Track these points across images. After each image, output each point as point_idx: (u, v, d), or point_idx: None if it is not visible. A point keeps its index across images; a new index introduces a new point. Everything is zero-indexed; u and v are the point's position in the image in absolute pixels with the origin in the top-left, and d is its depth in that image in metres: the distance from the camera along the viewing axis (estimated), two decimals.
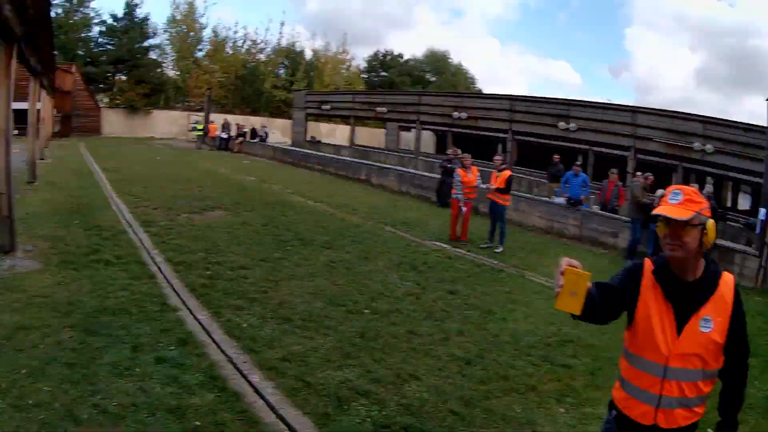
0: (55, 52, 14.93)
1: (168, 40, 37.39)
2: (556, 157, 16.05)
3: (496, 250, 9.05)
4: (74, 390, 3.59)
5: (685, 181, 15.87)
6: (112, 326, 4.66)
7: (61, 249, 7.02)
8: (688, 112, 17.07)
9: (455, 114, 23.28)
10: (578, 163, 13.37)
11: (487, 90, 49.24)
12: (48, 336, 4.40)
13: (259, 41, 40.93)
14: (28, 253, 6.81)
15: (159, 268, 6.56)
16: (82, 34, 34.40)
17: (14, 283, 5.70)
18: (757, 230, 9.55)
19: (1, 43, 6.37)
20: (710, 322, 1.85)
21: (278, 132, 32.42)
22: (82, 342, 4.33)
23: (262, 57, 39.85)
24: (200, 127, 29.59)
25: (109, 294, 5.46)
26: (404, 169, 18.72)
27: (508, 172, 9.31)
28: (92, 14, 34.54)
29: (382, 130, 30.84)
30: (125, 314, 4.96)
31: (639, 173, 10.65)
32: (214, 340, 4.61)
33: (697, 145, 16.14)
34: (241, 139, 28.08)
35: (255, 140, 28.37)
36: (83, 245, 7.25)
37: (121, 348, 4.25)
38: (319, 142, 29.64)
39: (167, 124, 35.03)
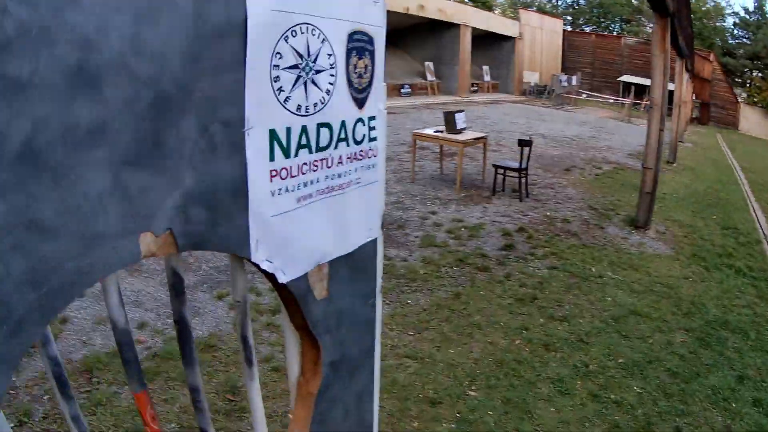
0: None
1: None
2: None
3: None
4: (664, 402, 3.24)
5: None
6: (726, 344, 4.17)
7: (693, 241, 6.53)
8: None
9: None
10: None
11: None
12: (660, 332, 4.05)
13: None
14: (660, 235, 6.41)
15: None
16: (716, 24, 33.97)
17: (639, 262, 5.43)
18: None
19: (656, 16, 6.24)
20: None
21: None
22: (693, 352, 3.95)
23: None
24: None
25: (733, 307, 4.91)
26: None
27: None
28: (724, 3, 32.95)
29: None
30: (743, 336, 4.40)
31: None
32: None
33: None
34: None
35: None
36: (717, 244, 6.68)
37: (727, 374, 3.75)
38: None
39: None
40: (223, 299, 4.06)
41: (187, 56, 0.54)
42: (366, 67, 0.84)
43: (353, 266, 0.92)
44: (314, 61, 0.72)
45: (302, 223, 0.76)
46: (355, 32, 0.80)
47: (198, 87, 0.56)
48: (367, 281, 0.98)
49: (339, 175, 0.83)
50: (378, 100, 0.89)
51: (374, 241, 0.98)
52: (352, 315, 0.96)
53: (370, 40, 0.84)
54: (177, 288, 0.65)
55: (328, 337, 0.90)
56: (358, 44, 0.81)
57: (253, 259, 0.68)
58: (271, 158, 0.68)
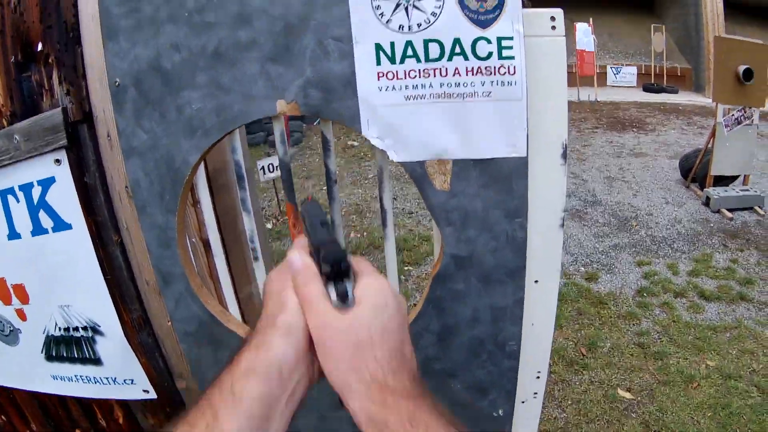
0: None
1: None
2: None
3: None
4: None
5: None
6: None
7: None
8: None
9: None
10: None
11: None
12: None
13: None
14: None
15: None
16: None
17: None
18: None
19: None
20: None
21: None
22: None
23: None
24: None
25: None
26: None
27: None
28: None
29: None
30: None
31: None
32: None
33: None
34: None
35: None
36: None
37: None
38: None
39: None
40: (642, 266, 4.56)
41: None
42: None
43: (489, 175, 1.05)
44: None
45: (413, 117, 1.01)
46: None
47: (313, 17, 0.97)
48: (511, 198, 1.07)
49: (458, 84, 1.01)
50: (514, 23, 0.99)
51: (521, 161, 1.05)
52: (486, 223, 1.08)
53: None
54: (324, 145, 1.07)
55: (450, 230, 1.07)
56: None
57: (363, 133, 1.02)
58: (378, 63, 0.99)
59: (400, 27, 0.98)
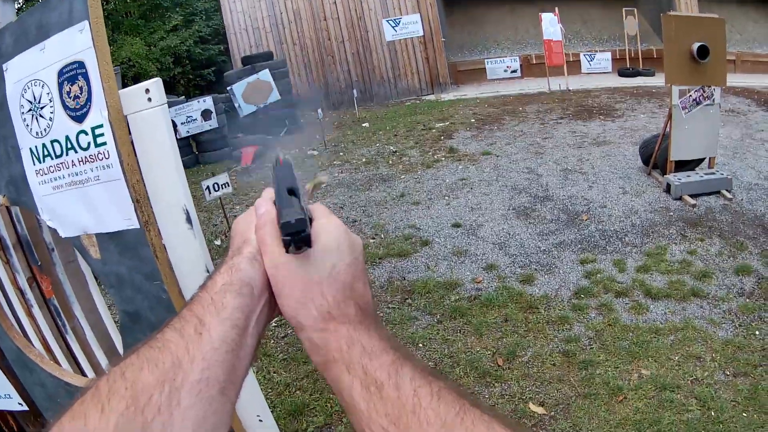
0: None
1: None
2: None
3: None
4: None
5: None
6: None
7: None
8: None
9: None
10: None
11: None
12: None
13: None
14: None
15: None
16: None
17: None
18: None
19: None
20: None
21: None
22: None
23: None
24: None
25: None
26: None
27: None
28: None
29: None
30: None
31: None
32: None
33: None
34: None
35: None
36: None
37: None
38: None
39: None
40: (585, 265, 4.34)
41: None
42: (81, 87, 1.16)
43: (122, 245, 1.23)
44: (39, 102, 1.22)
45: (60, 202, 1.27)
46: (64, 66, 1.17)
47: (1, 129, 1.32)
48: (143, 263, 1.22)
49: (77, 174, 1.22)
50: (101, 110, 1.15)
51: (138, 231, 1.19)
52: (135, 285, 1.24)
53: (81, 64, 1.15)
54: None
55: (114, 291, 1.28)
56: (70, 73, 1.17)
57: (41, 217, 1.32)
58: (34, 163, 1.28)
59: (37, 133, 1.25)
